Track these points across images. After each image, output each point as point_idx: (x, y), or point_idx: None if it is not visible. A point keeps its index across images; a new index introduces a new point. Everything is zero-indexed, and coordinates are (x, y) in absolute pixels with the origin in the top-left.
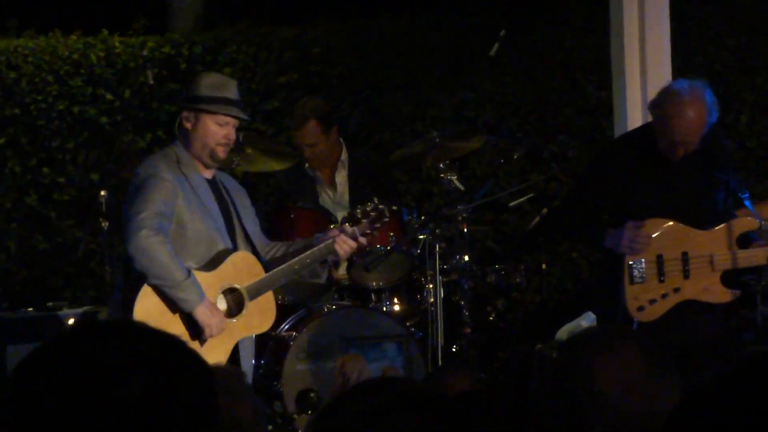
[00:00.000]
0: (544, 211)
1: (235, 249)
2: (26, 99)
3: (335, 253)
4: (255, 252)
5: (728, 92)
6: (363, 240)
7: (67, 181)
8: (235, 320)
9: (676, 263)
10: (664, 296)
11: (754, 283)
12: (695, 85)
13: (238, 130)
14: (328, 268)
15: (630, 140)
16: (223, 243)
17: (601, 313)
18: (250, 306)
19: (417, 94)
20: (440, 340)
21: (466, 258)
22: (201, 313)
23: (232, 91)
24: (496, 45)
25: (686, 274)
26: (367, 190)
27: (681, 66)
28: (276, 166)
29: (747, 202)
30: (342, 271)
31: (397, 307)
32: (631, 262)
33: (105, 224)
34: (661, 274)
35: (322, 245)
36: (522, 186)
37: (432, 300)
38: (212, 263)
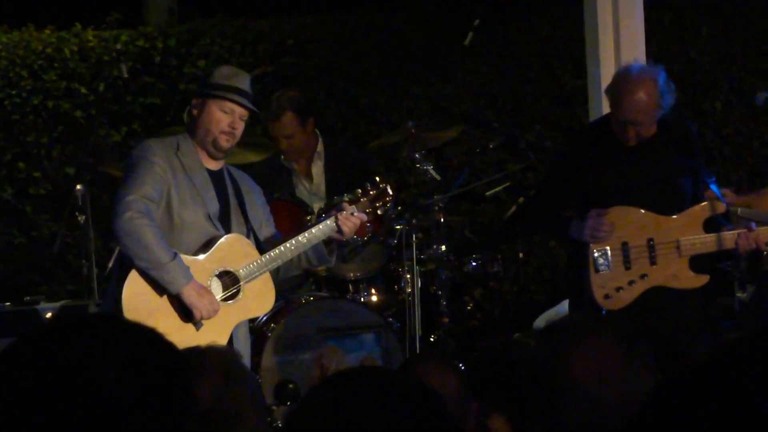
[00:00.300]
0: (521, 200)
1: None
2: (0, 94)
3: (339, 230)
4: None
5: (703, 80)
6: (364, 216)
7: (42, 176)
8: (230, 303)
9: (641, 250)
10: (631, 283)
11: (731, 269)
12: (647, 67)
13: None
14: (336, 251)
15: (592, 130)
16: (215, 231)
17: (573, 304)
18: (247, 288)
19: (392, 85)
20: (418, 330)
21: (443, 248)
22: (188, 295)
23: (242, 82)
24: (471, 35)
25: (653, 261)
26: (344, 181)
27: (656, 54)
28: (252, 157)
29: (713, 186)
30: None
31: (374, 298)
32: (595, 251)
33: (81, 218)
34: (627, 262)
35: (320, 224)
36: (498, 175)
37: (409, 290)
38: (204, 248)
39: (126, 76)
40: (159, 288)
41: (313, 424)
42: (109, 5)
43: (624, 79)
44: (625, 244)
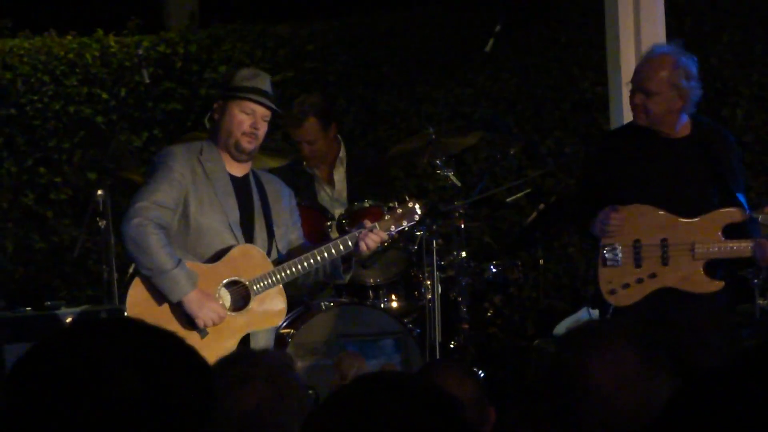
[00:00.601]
0: (541, 206)
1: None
2: (22, 99)
3: (358, 247)
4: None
5: (724, 87)
6: (384, 236)
7: (63, 181)
8: (236, 314)
9: (654, 249)
10: (639, 281)
11: (752, 277)
12: (673, 48)
13: None
14: (352, 269)
15: (620, 131)
16: (234, 240)
17: (593, 300)
18: (256, 300)
19: (412, 91)
20: (438, 337)
21: (464, 254)
22: (189, 303)
23: (263, 83)
24: (492, 40)
25: (664, 261)
26: (365, 187)
27: None
28: (272, 163)
29: (741, 197)
30: None
31: (394, 304)
32: (604, 245)
33: (102, 223)
34: (637, 259)
35: (338, 240)
36: (518, 182)
37: (429, 296)
38: (216, 257)
39: (147, 81)
40: (162, 295)
41: (332, 428)
42: (130, 11)
43: (646, 56)
44: (637, 242)
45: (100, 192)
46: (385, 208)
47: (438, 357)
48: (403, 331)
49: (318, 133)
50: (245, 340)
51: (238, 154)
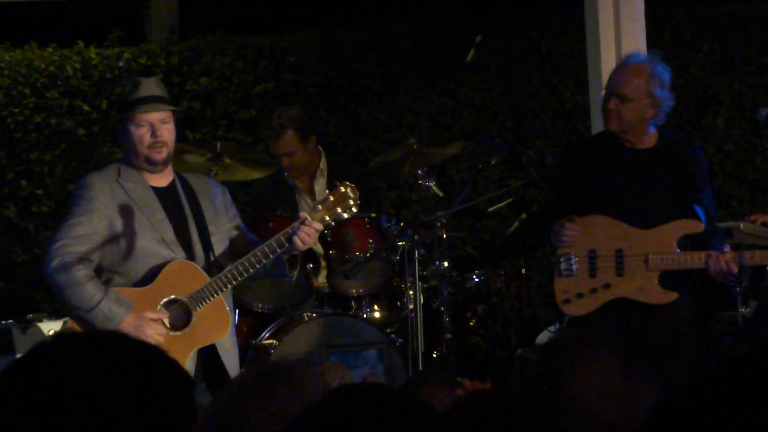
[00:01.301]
0: (523, 216)
1: (189, 258)
2: (3, 112)
3: (293, 243)
4: (216, 256)
5: (705, 95)
6: (318, 225)
7: (45, 193)
8: (180, 333)
9: (609, 259)
10: (593, 291)
11: (734, 285)
12: (650, 57)
13: (215, 138)
14: (297, 266)
15: (587, 141)
16: (171, 254)
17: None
18: (199, 315)
19: (393, 102)
20: (421, 347)
21: (446, 264)
22: (128, 328)
23: (146, 88)
24: (472, 51)
25: (619, 272)
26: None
27: None
28: (254, 174)
29: (698, 209)
30: (322, 278)
31: (377, 314)
32: (559, 255)
33: None
34: (592, 269)
35: (271, 239)
36: (500, 192)
37: (412, 306)
38: (150, 277)
39: None
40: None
41: None
42: (111, 23)
43: (619, 66)
44: (592, 252)
45: None
46: (367, 220)
47: (421, 367)
48: (386, 341)
49: (297, 145)
50: (211, 348)
51: (153, 167)
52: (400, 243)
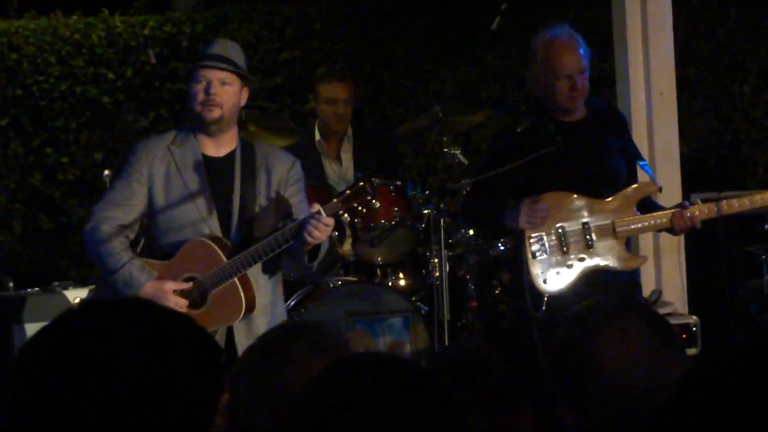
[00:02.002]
0: None
1: (224, 234)
2: (28, 80)
3: (303, 239)
4: (254, 236)
5: (732, 62)
6: (329, 221)
7: (70, 161)
8: (196, 311)
9: (577, 233)
10: (569, 267)
11: (760, 253)
12: (565, 28)
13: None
14: (318, 257)
15: (520, 120)
16: (204, 228)
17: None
18: (213, 296)
19: (419, 69)
20: (446, 315)
21: (471, 232)
22: (145, 297)
23: (218, 48)
24: (498, 18)
25: (589, 244)
26: (372, 165)
27: (684, 37)
28: (279, 142)
29: (646, 168)
30: (347, 246)
31: (402, 282)
32: (531, 237)
33: None
34: (564, 246)
35: (285, 229)
36: (526, 159)
37: (437, 274)
38: (173, 252)
39: (153, 61)
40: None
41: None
42: None
43: (555, 37)
44: (561, 229)
45: (107, 172)
46: (392, 187)
47: (446, 335)
48: (411, 309)
49: (350, 96)
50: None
51: (205, 127)
52: (426, 211)
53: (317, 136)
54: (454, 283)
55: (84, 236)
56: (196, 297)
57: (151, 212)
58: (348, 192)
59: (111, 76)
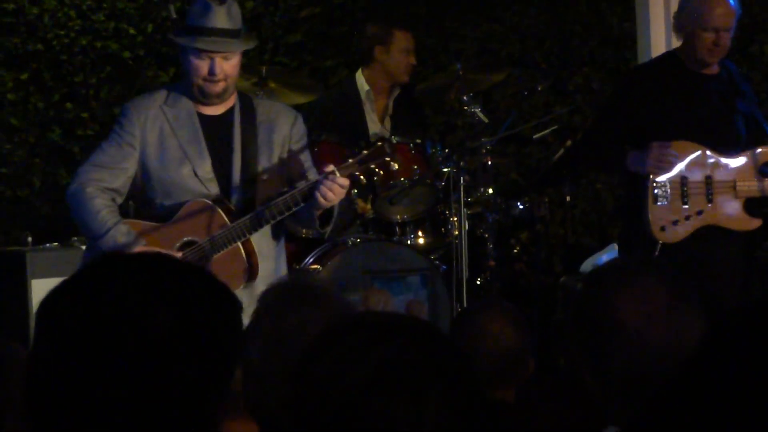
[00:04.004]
0: (568, 143)
1: (224, 196)
2: (48, 34)
3: (315, 199)
4: (257, 199)
5: (752, 23)
6: (344, 181)
7: (90, 116)
8: None
9: (699, 186)
10: (687, 218)
11: None
12: None
13: (260, 63)
14: (331, 222)
15: (652, 66)
16: (202, 190)
17: (625, 240)
18: (215, 262)
19: (440, 27)
20: (465, 273)
21: (490, 191)
22: None
23: (215, 18)
24: None
25: (709, 198)
26: (407, 125)
27: None
28: (299, 99)
29: (765, 125)
30: (366, 204)
31: (421, 240)
32: (654, 183)
33: None
34: (684, 196)
35: (294, 191)
36: (546, 118)
37: (456, 233)
38: (170, 214)
39: (174, 16)
40: None
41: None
42: None
43: None
44: (684, 179)
45: None
46: (412, 147)
47: (464, 293)
48: (430, 267)
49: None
50: None
51: (206, 99)
52: (445, 169)
53: (365, 86)
54: (473, 241)
55: (67, 200)
56: (195, 261)
57: (144, 176)
58: (365, 152)
59: (132, 31)
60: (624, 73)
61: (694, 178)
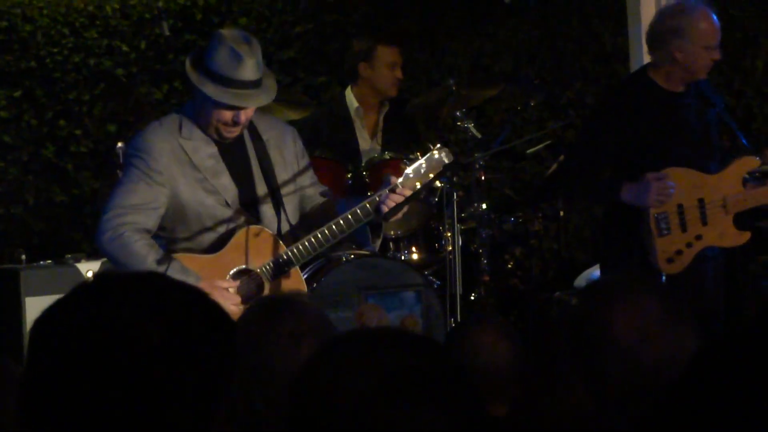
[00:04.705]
0: (561, 158)
1: (256, 221)
2: (42, 52)
3: (380, 212)
4: (289, 219)
5: (744, 37)
6: (408, 192)
7: (83, 133)
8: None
9: (694, 210)
10: (688, 245)
11: None
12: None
13: None
14: (381, 236)
15: (627, 91)
16: (237, 218)
17: (611, 264)
18: (272, 289)
19: (433, 43)
20: (459, 289)
21: (484, 206)
22: None
23: (245, 70)
24: None
25: (704, 221)
26: (399, 140)
27: None
28: (293, 115)
29: (738, 133)
30: None
31: (415, 256)
32: (656, 215)
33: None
34: (683, 224)
35: (356, 207)
36: (539, 133)
37: (450, 248)
38: (219, 245)
39: (167, 33)
40: None
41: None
42: None
43: (692, 7)
44: (680, 206)
45: (120, 144)
46: (406, 162)
47: (458, 309)
48: (423, 283)
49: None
50: None
51: (222, 139)
52: (439, 184)
53: (355, 103)
54: (467, 257)
55: (103, 248)
56: (252, 290)
57: (173, 211)
58: (424, 164)
59: (125, 48)
60: (599, 99)
61: (688, 204)
